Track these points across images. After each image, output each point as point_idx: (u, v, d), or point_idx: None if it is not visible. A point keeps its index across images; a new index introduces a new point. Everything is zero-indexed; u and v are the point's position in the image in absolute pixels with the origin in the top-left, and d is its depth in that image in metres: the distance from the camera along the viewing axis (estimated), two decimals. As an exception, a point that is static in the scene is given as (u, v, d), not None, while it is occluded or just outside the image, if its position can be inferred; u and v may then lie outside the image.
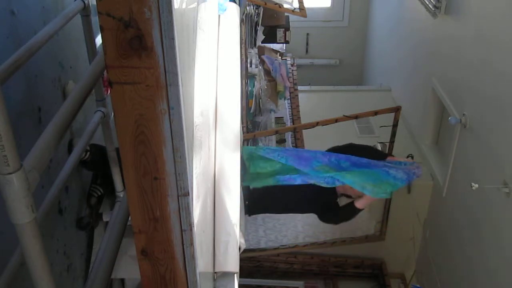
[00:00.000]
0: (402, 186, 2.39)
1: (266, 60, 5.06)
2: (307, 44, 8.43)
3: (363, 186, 2.32)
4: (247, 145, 4.35)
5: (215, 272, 1.36)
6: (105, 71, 1.20)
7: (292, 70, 5.88)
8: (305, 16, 4.59)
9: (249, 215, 2.73)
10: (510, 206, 3.32)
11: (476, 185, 3.30)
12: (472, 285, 4.05)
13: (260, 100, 4.77)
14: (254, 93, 4.66)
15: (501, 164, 3.43)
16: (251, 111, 4.71)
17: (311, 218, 4.77)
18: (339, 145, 2.77)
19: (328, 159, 2.37)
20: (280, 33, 5.38)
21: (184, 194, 0.87)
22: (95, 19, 1.97)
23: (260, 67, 4.89)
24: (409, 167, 2.39)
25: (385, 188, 2.33)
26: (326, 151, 2.77)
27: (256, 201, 2.53)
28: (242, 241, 1.65)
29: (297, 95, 5.72)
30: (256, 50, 4.99)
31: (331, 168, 2.36)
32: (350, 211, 2.61)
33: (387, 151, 4.54)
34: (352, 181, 2.32)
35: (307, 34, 8.32)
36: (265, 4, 4.35)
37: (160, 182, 0.85)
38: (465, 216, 4.12)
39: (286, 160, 2.37)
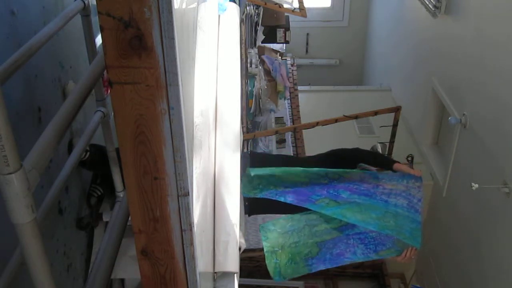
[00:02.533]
0: (412, 226, 2.33)
1: (266, 60, 5.06)
2: (307, 44, 8.43)
3: (366, 222, 2.29)
4: (247, 145, 4.35)
5: (215, 272, 1.36)
6: (105, 71, 1.20)
7: (292, 70, 5.88)
8: (305, 16, 4.59)
9: (249, 215, 2.73)
10: (510, 206, 3.32)
11: (476, 185, 3.30)
12: (472, 285, 4.05)
13: (260, 100, 4.77)
14: (254, 93, 4.66)
15: (501, 164, 3.43)
16: (251, 111, 4.71)
17: (311, 218, 4.77)
18: (347, 147, 2.75)
19: (326, 191, 2.33)
20: (280, 33, 5.39)
21: (184, 194, 0.87)
22: (95, 19, 1.97)
23: (260, 67, 4.89)
24: (410, 185, 2.36)
25: (388, 220, 2.30)
26: (331, 151, 2.76)
27: (256, 201, 2.52)
28: (242, 241, 1.65)
29: (297, 95, 5.72)
30: (256, 50, 4.99)
31: (331, 200, 2.32)
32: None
33: (387, 151, 4.54)
34: (353, 219, 2.28)
35: (307, 34, 8.32)
36: (265, 4, 4.36)
37: (160, 182, 0.85)
38: (465, 216, 4.12)
39: (284, 198, 2.35)
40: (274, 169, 2.39)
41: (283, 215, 2.53)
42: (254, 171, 2.36)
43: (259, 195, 2.38)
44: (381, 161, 2.71)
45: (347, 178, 2.40)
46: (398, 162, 2.54)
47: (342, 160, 2.66)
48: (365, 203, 2.31)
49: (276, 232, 2.46)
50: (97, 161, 2.47)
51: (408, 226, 2.29)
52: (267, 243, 2.44)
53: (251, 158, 2.71)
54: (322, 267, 2.38)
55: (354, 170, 2.45)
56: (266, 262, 2.44)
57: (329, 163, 2.67)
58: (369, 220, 2.26)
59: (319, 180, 2.40)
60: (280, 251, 2.43)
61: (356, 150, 2.73)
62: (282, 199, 2.34)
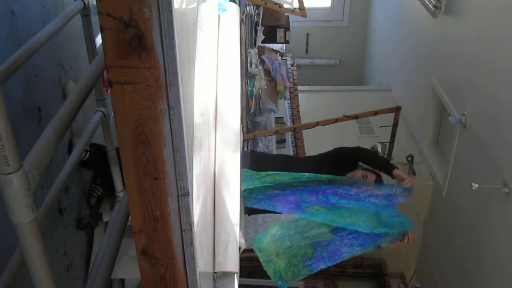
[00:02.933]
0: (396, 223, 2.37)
1: (266, 60, 5.06)
2: (307, 44, 8.43)
3: (357, 225, 2.31)
4: (247, 145, 4.35)
5: (215, 272, 1.36)
6: (105, 71, 1.20)
7: (292, 70, 5.88)
8: (305, 16, 4.59)
9: (249, 215, 2.73)
10: (510, 206, 3.32)
11: (476, 185, 3.30)
12: (472, 285, 4.05)
13: (260, 100, 4.77)
14: (254, 93, 4.66)
15: (501, 164, 3.43)
16: (251, 111, 4.71)
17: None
18: (347, 146, 2.76)
19: (315, 197, 2.35)
20: (280, 33, 5.39)
21: (184, 194, 0.87)
22: (95, 19, 1.97)
23: (260, 67, 4.89)
24: (397, 193, 2.39)
25: (374, 220, 2.32)
26: (332, 150, 2.76)
27: None
28: (242, 241, 1.65)
29: (297, 95, 5.72)
30: (256, 50, 4.99)
31: (320, 206, 2.34)
32: None
33: (387, 151, 4.54)
34: (343, 223, 2.31)
35: (307, 34, 8.32)
36: (265, 4, 4.36)
37: (160, 182, 0.85)
38: (465, 216, 4.12)
39: (274, 207, 2.36)
40: (264, 180, 2.40)
41: (275, 225, 2.55)
42: (245, 184, 2.36)
43: (248, 205, 2.39)
44: (381, 163, 2.71)
45: (337, 182, 2.42)
46: (397, 168, 2.55)
47: (343, 159, 2.67)
48: (354, 207, 2.34)
49: (267, 241, 2.48)
50: (97, 161, 2.47)
51: (395, 220, 2.33)
52: (261, 253, 2.46)
53: (251, 157, 2.72)
54: (322, 266, 2.39)
55: (344, 177, 2.47)
56: (265, 270, 2.45)
57: (329, 163, 2.67)
58: (359, 222, 2.30)
59: (308, 184, 2.42)
60: (275, 258, 2.44)
61: (357, 149, 2.73)
62: (271, 209, 2.36)
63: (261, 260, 2.45)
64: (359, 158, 2.66)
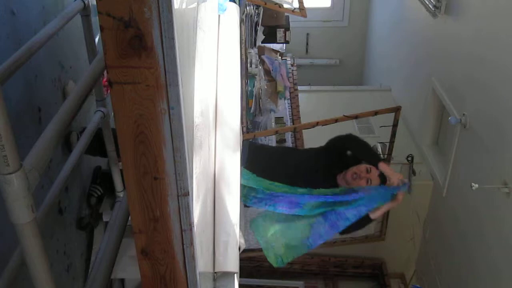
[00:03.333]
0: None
1: (266, 60, 5.05)
2: (307, 44, 8.43)
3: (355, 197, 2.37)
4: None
5: (215, 272, 1.36)
6: (105, 71, 1.20)
7: (292, 70, 5.88)
8: (305, 16, 4.59)
9: (246, 206, 2.72)
10: (510, 206, 3.32)
11: (476, 185, 3.30)
12: (472, 285, 4.05)
13: (260, 100, 4.77)
14: (254, 93, 4.65)
15: (501, 164, 3.43)
16: (251, 111, 4.71)
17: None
18: (340, 135, 2.76)
19: (316, 199, 2.41)
20: (280, 33, 5.38)
21: (184, 194, 0.87)
22: (95, 19, 1.97)
23: (260, 67, 4.89)
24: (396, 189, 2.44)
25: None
26: (328, 140, 2.77)
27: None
28: (242, 241, 1.66)
29: (297, 95, 5.71)
30: (256, 50, 4.99)
31: (316, 202, 2.39)
32: (363, 222, 2.51)
33: (387, 151, 4.54)
34: (343, 208, 2.38)
35: (307, 34, 8.32)
36: (265, 4, 4.35)
37: (160, 182, 0.85)
38: (465, 216, 4.12)
39: (274, 207, 2.40)
40: (259, 184, 2.42)
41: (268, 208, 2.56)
42: (244, 181, 2.37)
43: (248, 203, 2.41)
44: (367, 153, 2.69)
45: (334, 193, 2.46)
46: (384, 161, 2.55)
47: (336, 147, 2.68)
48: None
49: (266, 225, 2.51)
50: (96, 147, 2.49)
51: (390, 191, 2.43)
52: (260, 239, 2.48)
53: (250, 149, 2.71)
54: (320, 242, 2.45)
55: (338, 189, 2.49)
56: (265, 254, 2.47)
57: (328, 154, 2.68)
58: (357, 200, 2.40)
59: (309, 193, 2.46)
60: (275, 244, 2.47)
61: (346, 138, 2.71)
62: (271, 209, 2.38)
63: (261, 245, 2.47)
64: (346, 146, 2.66)
